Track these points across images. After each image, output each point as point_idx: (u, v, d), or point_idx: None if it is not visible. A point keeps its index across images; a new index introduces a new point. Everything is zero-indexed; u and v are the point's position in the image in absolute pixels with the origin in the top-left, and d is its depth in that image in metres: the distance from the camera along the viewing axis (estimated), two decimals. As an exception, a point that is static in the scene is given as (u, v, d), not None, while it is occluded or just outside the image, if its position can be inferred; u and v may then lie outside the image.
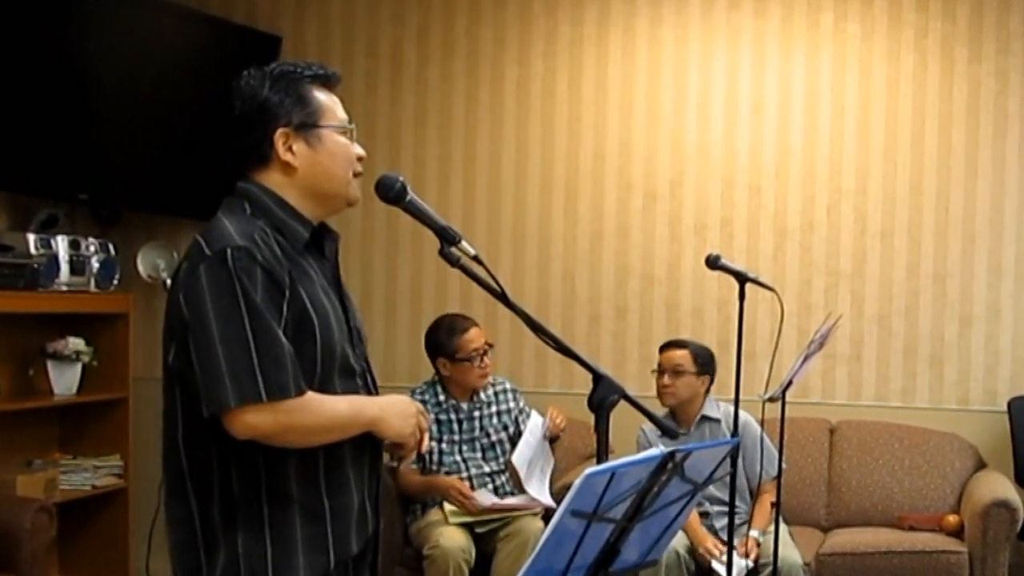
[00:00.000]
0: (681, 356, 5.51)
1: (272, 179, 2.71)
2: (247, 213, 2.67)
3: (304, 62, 2.78)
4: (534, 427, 5.69)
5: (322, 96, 2.74)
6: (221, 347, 2.50)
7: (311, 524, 2.63)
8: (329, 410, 2.61)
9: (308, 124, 2.70)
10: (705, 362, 5.55)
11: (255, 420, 2.51)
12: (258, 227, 2.63)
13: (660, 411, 5.47)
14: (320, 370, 2.63)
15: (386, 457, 2.88)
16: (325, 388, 2.63)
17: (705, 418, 5.55)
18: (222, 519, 2.62)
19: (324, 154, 2.71)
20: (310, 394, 2.57)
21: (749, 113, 6.56)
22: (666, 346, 5.63)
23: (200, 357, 2.53)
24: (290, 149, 2.69)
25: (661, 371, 5.56)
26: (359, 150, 2.78)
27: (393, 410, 2.71)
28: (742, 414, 4.97)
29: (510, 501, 5.54)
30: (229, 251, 2.54)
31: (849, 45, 6.48)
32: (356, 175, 2.77)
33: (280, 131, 2.68)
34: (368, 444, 2.72)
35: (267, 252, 2.57)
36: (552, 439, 5.80)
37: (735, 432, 4.99)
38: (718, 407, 5.56)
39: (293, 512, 2.62)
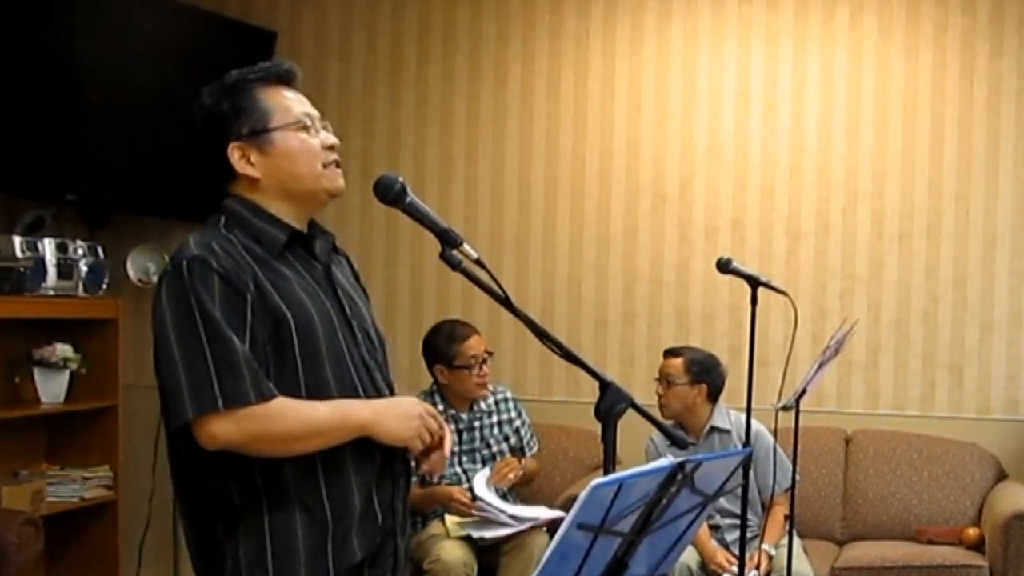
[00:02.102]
0: (673, 365, 5.52)
1: (244, 190, 2.75)
2: (219, 225, 2.71)
3: (256, 65, 2.79)
4: (481, 480, 5.56)
5: (272, 96, 2.74)
6: (179, 359, 2.55)
7: (313, 531, 2.65)
8: (303, 416, 2.61)
9: (257, 131, 2.71)
10: (701, 370, 5.53)
11: (217, 430, 2.55)
12: (221, 237, 2.67)
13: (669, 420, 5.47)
14: (303, 373, 2.64)
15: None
16: (317, 393, 2.64)
17: (714, 429, 5.54)
18: (226, 530, 2.65)
19: (280, 157, 2.72)
20: (279, 400, 2.58)
21: (761, 111, 6.56)
22: (664, 354, 5.66)
23: (162, 370, 2.59)
24: (248, 160, 2.71)
25: (658, 380, 5.59)
26: (329, 139, 2.77)
27: (390, 412, 2.70)
28: (754, 424, 4.96)
29: (507, 520, 5.47)
30: (184, 262, 2.60)
31: (866, 41, 6.48)
32: (329, 165, 2.76)
33: (232, 145, 2.71)
34: (376, 447, 2.71)
35: (226, 259, 2.61)
36: (519, 483, 5.72)
37: (747, 443, 4.99)
38: (729, 417, 5.55)
39: (294, 518, 2.63)
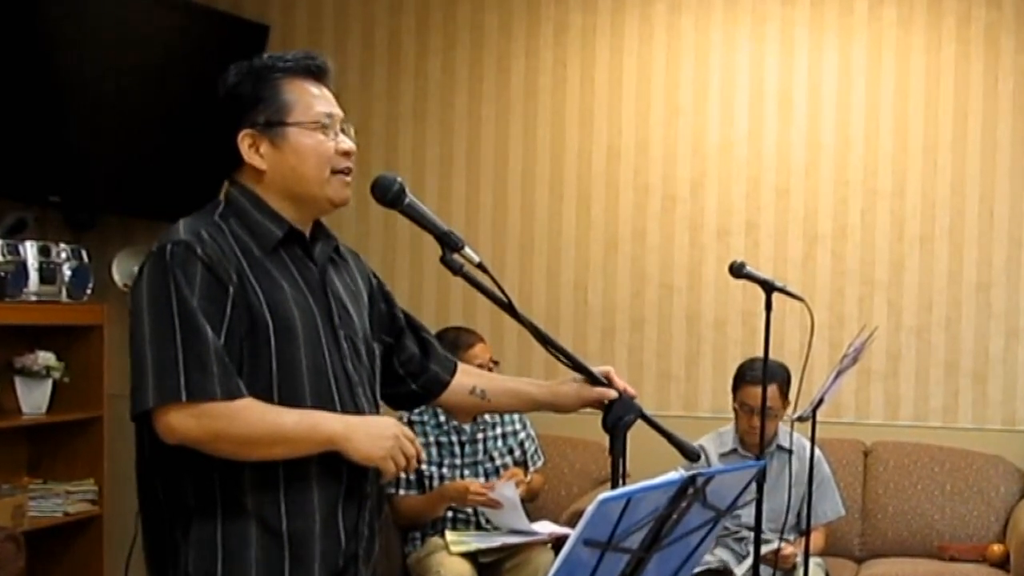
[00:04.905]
0: (772, 396, 5.21)
1: (248, 181, 2.76)
2: (215, 212, 2.73)
3: (288, 53, 2.79)
4: (507, 495, 5.53)
5: (295, 90, 2.74)
6: (149, 344, 2.57)
7: (267, 545, 2.65)
8: (269, 421, 2.61)
9: (273, 123, 2.71)
10: (788, 388, 5.47)
11: (176, 422, 2.55)
12: (213, 224, 2.68)
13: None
14: (278, 379, 2.65)
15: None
16: (291, 401, 2.64)
17: (779, 447, 5.51)
18: (182, 533, 2.66)
19: (290, 155, 2.72)
20: (246, 401, 2.59)
21: (776, 108, 6.56)
22: (750, 379, 5.43)
23: (132, 354, 2.61)
24: (257, 151, 2.72)
25: (743, 407, 5.48)
26: (345, 145, 2.76)
27: (363, 429, 2.66)
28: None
29: (519, 525, 5.48)
30: (169, 246, 2.61)
31: (885, 33, 6.48)
32: (339, 172, 2.75)
33: (244, 132, 2.72)
34: (343, 467, 2.70)
35: (213, 248, 2.62)
36: (524, 498, 5.71)
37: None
38: (789, 436, 5.48)
39: (249, 529, 2.64)
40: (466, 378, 3.12)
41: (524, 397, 3.12)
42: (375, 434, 2.67)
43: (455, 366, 3.12)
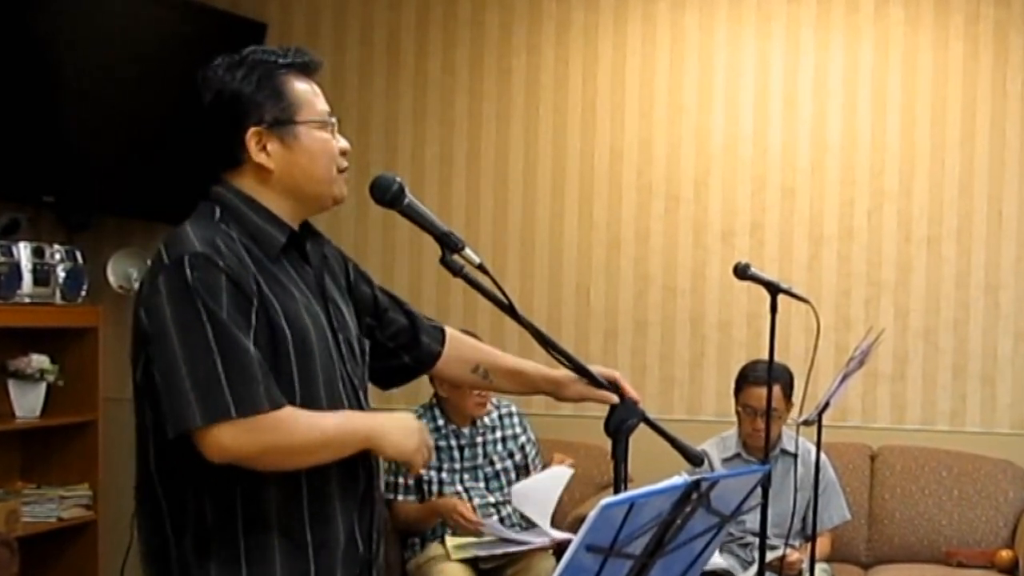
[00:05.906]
0: (775, 397, 5.10)
1: (246, 182, 2.71)
2: (216, 218, 2.67)
3: (280, 49, 2.76)
4: (558, 476, 5.56)
5: (299, 88, 2.72)
6: (184, 361, 2.50)
7: (292, 557, 2.63)
8: (316, 426, 2.59)
9: (283, 121, 2.68)
10: (791, 389, 5.50)
11: (227, 440, 2.50)
12: (222, 232, 2.63)
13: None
14: (299, 387, 2.62)
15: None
16: (309, 408, 2.62)
17: (784, 451, 5.52)
18: (196, 550, 2.62)
19: (301, 154, 2.69)
20: (289, 409, 2.56)
21: (782, 107, 6.56)
22: (753, 380, 5.48)
23: (162, 373, 2.53)
24: (264, 149, 2.68)
25: (746, 409, 5.50)
26: (343, 143, 2.76)
27: (393, 425, 2.69)
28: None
29: (517, 536, 5.50)
30: (187, 258, 2.55)
31: (892, 32, 6.48)
32: (341, 171, 2.75)
33: (252, 130, 2.67)
34: (360, 471, 2.71)
35: (231, 258, 2.58)
36: None
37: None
38: (793, 440, 5.49)
39: (272, 543, 2.62)
40: (470, 353, 3.12)
41: (526, 380, 3.14)
42: (404, 428, 2.71)
43: (443, 335, 3.10)
